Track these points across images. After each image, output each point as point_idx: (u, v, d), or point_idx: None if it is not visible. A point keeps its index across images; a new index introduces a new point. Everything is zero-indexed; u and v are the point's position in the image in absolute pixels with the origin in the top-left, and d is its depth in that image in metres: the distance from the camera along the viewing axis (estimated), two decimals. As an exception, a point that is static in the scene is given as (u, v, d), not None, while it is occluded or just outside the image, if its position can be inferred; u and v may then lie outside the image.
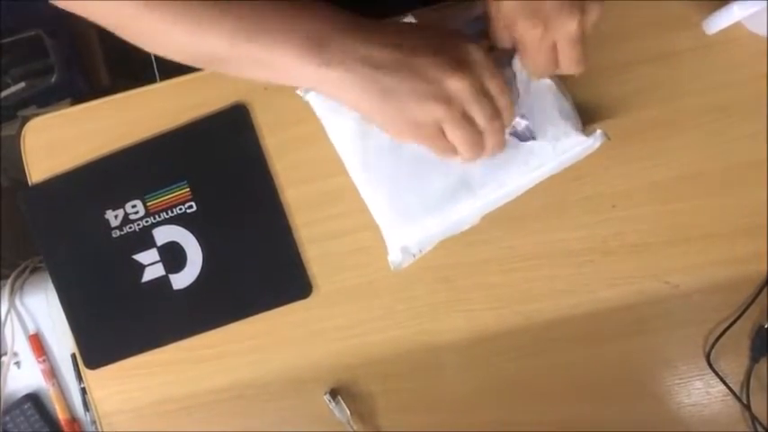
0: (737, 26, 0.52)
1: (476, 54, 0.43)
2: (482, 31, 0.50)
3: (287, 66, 0.43)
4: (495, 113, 0.44)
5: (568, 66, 0.46)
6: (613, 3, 0.55)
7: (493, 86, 0.44)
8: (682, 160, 0.56)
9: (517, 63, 0.49)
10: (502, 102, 0.45)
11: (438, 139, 0.44)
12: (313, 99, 0.56)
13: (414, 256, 0.56)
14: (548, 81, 0.52)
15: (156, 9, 0.43)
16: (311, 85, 0.46)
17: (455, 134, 0.44)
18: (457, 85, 0.42)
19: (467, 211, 0.54)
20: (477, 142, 0.45)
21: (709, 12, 0.52)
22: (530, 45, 0.45)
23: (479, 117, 0.44)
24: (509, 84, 0.49)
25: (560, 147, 0.52)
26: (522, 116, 0.52)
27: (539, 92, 0.52)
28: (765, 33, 0.53)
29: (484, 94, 0.43)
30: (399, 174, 0.55)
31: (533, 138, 0.52)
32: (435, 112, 0.42)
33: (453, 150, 0.45)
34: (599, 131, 0.52)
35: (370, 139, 0.55)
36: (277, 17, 0.42)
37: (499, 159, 0.52)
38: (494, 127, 0.45)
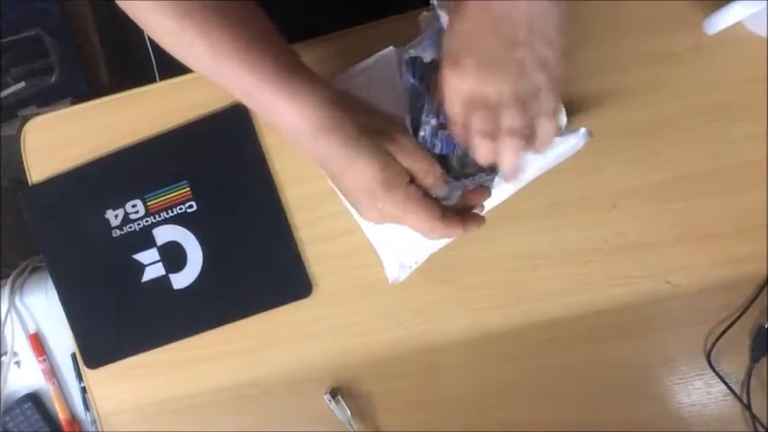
0: (737, 26, 0.52)
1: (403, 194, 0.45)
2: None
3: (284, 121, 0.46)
4: (430, 227, 0.47)
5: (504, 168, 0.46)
6: (614, 3, 0.55)
7: (416, 227, 0.46)
8: (682, 160, 0.56)
9: None
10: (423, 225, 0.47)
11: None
12: None
13: (410, 268, 0.57)
14: None
15: (193, 29, 0.45)
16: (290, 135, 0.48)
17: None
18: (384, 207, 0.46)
19: None
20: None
21: (710, 12, 0.52)
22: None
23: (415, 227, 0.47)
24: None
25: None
26: None
27: None
28: (765, 33, 0.53)
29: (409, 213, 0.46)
30: None
31: None
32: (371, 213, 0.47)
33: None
34: (583, 129, 0.52)
35: None
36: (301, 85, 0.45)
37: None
38: (433, 235, 0.47)
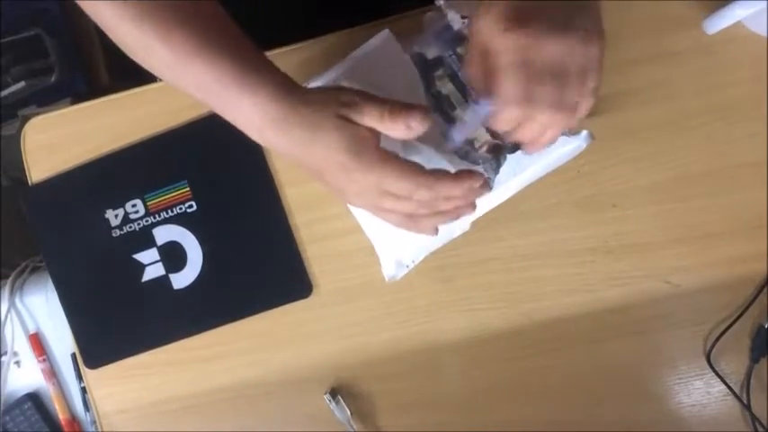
0: (737, 26, 0.52)
1: (378, 172, 0.43)
2: (455, 37, 0.50)
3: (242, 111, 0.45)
4: (408, 215, 0.46)
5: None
6: (613, 3, 0.55)
7: (399, 189, 0.44)
8: (682, 160, 0.56)
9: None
10: (419, 196, 0.45)
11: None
12: None
13: (407, 267, 0.57)
14: None
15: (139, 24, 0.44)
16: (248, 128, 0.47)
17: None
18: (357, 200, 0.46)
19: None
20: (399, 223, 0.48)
21: (710, 12, 0.52)
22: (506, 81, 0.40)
23: (397, 209, 0.46)
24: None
25: (546, 150, 0.52)
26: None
27: None
28: (765, 33, 0.53)
29: (388, 195, 0.45)
30: None
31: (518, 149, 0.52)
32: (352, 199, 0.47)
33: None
34: (584, 132, 0.52)
35: None
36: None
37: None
38: (410, 224, 0.47)
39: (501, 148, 0.52)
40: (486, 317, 0.59)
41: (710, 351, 0.57)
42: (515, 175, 0.53)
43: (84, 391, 0.69)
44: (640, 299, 0.57)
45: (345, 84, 0.55)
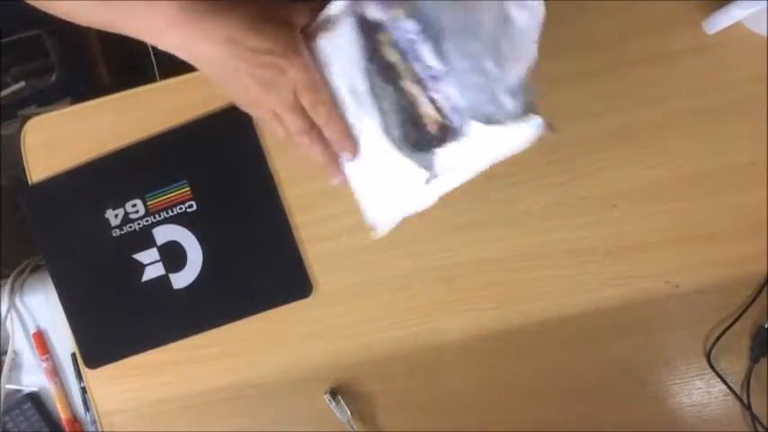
0: (737, 26, 0.52)
1: (290, 72, 0.45)
2: None
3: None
4: (305, 127, 0.47)
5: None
6: (613, 3, 0.55)
7: (306, 102, 0.46)
8: (682, 160, 0.56)
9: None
10: (321, 117, 0.47)
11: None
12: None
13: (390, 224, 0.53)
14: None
15: None
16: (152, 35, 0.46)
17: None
18: (267, 102, 0.46)
19: (423, 190, 0.51)
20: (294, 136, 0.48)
21: (709, 12, 0.52)
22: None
23: (291, 127, 0.47)
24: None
25: (498, 134, 0.47)
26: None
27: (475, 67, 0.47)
28: (765, 33, 0.53)
29: (293, 110, 0.46)
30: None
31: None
32: (253, 110, 0.48)
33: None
34: (539, 120, 0.45)
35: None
36: None
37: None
38: (305, 140, 0.48)
39: (448, 129, 0.49)
40: (486, 317, 0.59)
41: (710, 351, 0.57)
42: (468, 160, 0.49)
43: (84, 390, 0.69)
44: (640, 299, 0.57)
45: None
